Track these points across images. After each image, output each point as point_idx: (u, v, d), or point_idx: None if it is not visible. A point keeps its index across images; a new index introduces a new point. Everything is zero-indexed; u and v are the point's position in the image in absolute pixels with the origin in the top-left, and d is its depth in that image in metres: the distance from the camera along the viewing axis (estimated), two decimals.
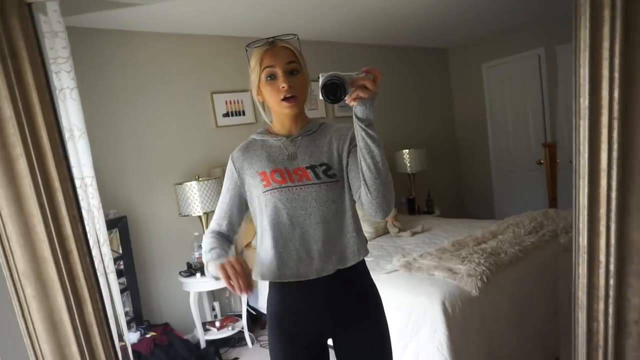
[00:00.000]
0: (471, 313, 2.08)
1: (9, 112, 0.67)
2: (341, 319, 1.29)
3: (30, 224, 0.69)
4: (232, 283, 1.09)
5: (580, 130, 0.60)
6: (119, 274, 3.13)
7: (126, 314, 3.14)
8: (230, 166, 1.33)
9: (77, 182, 0.86)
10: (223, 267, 1.11)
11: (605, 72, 0.57)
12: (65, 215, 0.70)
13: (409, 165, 4.43)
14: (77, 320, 0.72)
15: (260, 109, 1.33)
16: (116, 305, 0.83)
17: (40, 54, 0.66)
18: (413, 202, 4.57)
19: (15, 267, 0.69)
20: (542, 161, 4.39)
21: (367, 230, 3.36)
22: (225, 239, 1.34)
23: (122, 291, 3.06)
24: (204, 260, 1.24)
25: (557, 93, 4.32)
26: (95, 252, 0.86)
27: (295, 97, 1.21)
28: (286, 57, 1.21)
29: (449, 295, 2.09)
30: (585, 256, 0.64)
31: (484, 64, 5.06)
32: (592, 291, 0.65)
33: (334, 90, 1.02)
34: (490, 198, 5.29)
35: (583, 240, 0.64)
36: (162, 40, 3.35)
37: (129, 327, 2.98)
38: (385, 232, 3.49)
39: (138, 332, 2.92)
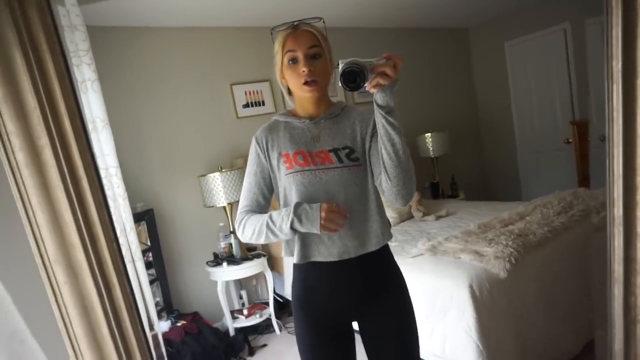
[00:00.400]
0: (499, 295, 2.05)
1: (32, 103, 0.68)
2: (364, 301, 1.29)
3: (58, 212, 0.70)
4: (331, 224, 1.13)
5: (614, 95, 0.57)
6: (148, 265, 3.21)
7: (157, 303, 3.22)
8: (254, 147, 1.32)
9: (102, 173, 0.88)
10: (321, 215, 1.13)
11: None
12: (90, 201, 0.71)
13: (431, 149, 4.37)
14: (107, 305, 0.74)
15: (285, 92, 1.32)
16: (145, 292, 0.85)
17: (60, 45, 0.67)
18: (437, 186, 4.51)
19: (47, 253, 0.71)
20: (570, 140, 4.25)
21: (391, 215, 3.33)
22: None
23: (151, 282, 3.15)
24: (277, 226, 1.20)
25: (588, 69, 4.15)
26: (122, 240, 0.88)
27: (316, 82, 1.20)
28: (308, 41, 1.20)
29: (476, 278, 2.06)
30: (621, 228, 0.61)
31: (506, 42, 4.91)
32: (629, 264, 0.62)
33: (353, 78, 1.00)
34: (516, 180, 5.17)
35: (618, 210, 0.61)
36: (180, 34, 3.37)
37: (160, 317, 3.06)
38: (410, 216, 3.46)
39: (169, 321, 2.99)
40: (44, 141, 0.67)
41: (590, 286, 2.27)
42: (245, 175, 1.34)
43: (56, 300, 0.73)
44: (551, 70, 4.57)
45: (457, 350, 2.03)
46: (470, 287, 2.00)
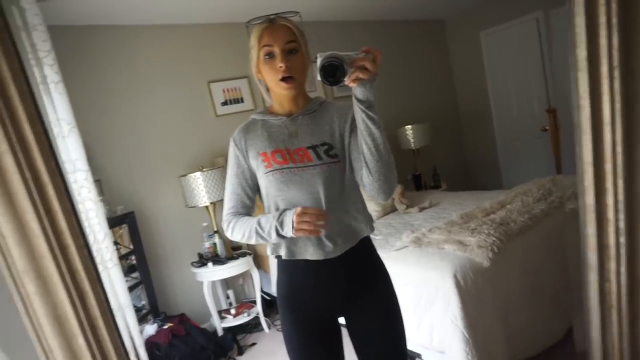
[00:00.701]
0: (483, 284, 2.07)
1: None
2: (349, 296, 1.29)
3: (24, 220, 0.68)
4: (310, 227, 1.11)
5: (580, 83, 0.57)
6: (132, 268, 3.16)
7: (142, 307, 3.18)
8: (233, 149, 1.30)
9: (71, 177, 0.85)
10: (297, 222, 1.12)
11: (603, 19, 0.53)
12: (58, 209, 0.69)
13: (412, 141, 4.39)
14: (82, 314, 0.72)
15: (261, 88, 1.30)
16: (120, 298, 0.82)
17: (14, 45, 0.64)
18: (419, 178, 4.54)
19: (15, 264, 0.69)
20: (546, 128, 4.32)
21: (374, 209, 3.34)
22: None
23: (136, 285, 3.10)
24: (265, 232, 1.20)
25: (553, 57, 4.22)
26: (96, 247, 0.86)
27: (293, 78, 1.18)
28: (285, 36, 1.18)
29: (460, 268, 2.07)
30: (594, 215, 0.62)
31: (482, 32, 4.94)
32: (602, 250, 0.62)
33: (333, 72, 0.99)
34: (496, 168, 5.24)
35: (590, 198, 0.61)
36: (154, 32, 3.31)
37: (146, 320, 3.02)
38: (393, 209, 3.47)
39: (155, 324, 2.95)
40: (3, 147, 0.64)
41: (568, 273, 2.31)
42: (227, 177, 1.33)
43: (27, 312, 0.71)
44: (526, 58, 4.62)
45: (444, 340, 2.04)
46: (455, 277, 2.02)
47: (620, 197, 0.58)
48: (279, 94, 1.25)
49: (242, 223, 1.26)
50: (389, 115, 4.44)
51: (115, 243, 3.05)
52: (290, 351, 1.33)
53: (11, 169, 0.64)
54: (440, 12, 4.92)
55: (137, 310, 3.18)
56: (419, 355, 2.30)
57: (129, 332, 0.87)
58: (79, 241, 0.70)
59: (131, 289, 3.09)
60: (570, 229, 2.30)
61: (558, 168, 3.94)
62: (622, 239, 0.60)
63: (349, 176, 1.25)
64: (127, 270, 3.14)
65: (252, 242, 1.25)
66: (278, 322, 3.35)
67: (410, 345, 2.25)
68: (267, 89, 1.29)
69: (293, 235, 1.15)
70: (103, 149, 3.02)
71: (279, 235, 1.17)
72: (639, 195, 0.58)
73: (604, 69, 0.55)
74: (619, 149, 0.57)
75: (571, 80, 0.56)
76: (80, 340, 0.73)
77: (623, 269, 0.59)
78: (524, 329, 2.17)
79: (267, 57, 1.19)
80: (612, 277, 0.60)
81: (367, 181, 1.16)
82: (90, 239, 0.88)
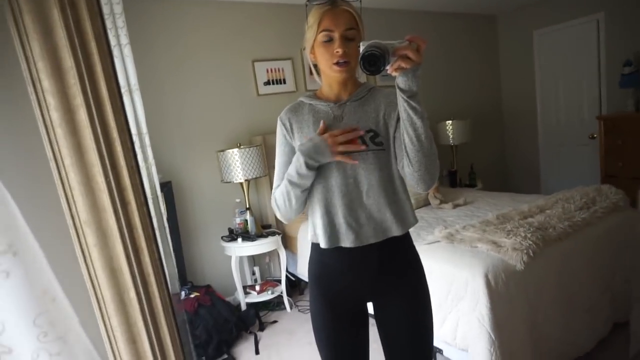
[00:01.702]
0: (515, 287, 2.03)
1: (69, 62, 0.68)
2: (381, 284, 1.29)
3: (91, 174, 0.70)
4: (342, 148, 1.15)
5: None
6: None
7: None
8: (280, 128, 1.31)
9: (134, 138, 0.88)
10: (330, 145, 1.16)
11: None
12: (123, 165, 0.71)
13: (451, 136, 4.31)
14: (135, 269, 0.74)
15: (312, 68, 1.29)
16: (166, 261, 0.85)
17: (98, 5, 0.66)
18: (455, 175, 4.47)
19: (78, 215, 0.72)
20: (595, 135, 4.15)
21: None
22: None
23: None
24: (296, 176, 1.21)
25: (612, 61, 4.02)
26: (151, 206, 0.89)
27: (348, 63, 1.18)
28: (346, 21, 1.17)
29: (493, 268, 2.04)
30: None
31: (535, 30, 4.77)
32: None
33: (374, 62, 0.97)
34: (536, 173, 5.09)
35: None
36: (205, 7, 3.35)
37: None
38: (426, 203, 3.44)
39: (182, 292, 3.04)
40: (79, 101, 0.66)
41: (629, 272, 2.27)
42: (276, 155, 1.34)
43: (85, 262, 0.74)
44: (581, 61, 4.43)
45: (468, 338, 2.03)
46: (486, 276, 1.99)
47: None
48: (330, 77, 1.24)
49: (280, 190, 1.28)
50: (430, 109, 4.34)
51: None
52: (317, 330, 1.34)
53: (84, 123, 0.67)
54: (493, 7, 4.78)
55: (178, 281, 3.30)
56: (440, 351, 2.29)
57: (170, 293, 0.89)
58: (139, 199, 0.73)
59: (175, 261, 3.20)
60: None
61: (603, 178, 3.79)
62: None
63: (393, 165, 1.24)
64: None
65: (293, 202, 1.25)
66: (300, 303, 3.39)
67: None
68: (317, 71, 1.29)
69: (332, 159, 1.17)
70: (147, 117, 3.09)
71: (309, 169, 1.18)
72: None
73: None
74: None
75: None
76: (131, 294, 0.76)
77: None
78: (551, 338, 2.13)
79: (325, 40, 1.18)
80: None
81: (408, 171, 1.15)
82: (149, 198, 0.91)
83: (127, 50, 0.86)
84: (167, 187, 3.18)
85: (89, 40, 0.63)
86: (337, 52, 1.15)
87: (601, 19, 4.18)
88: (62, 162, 0.69)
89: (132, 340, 0.77)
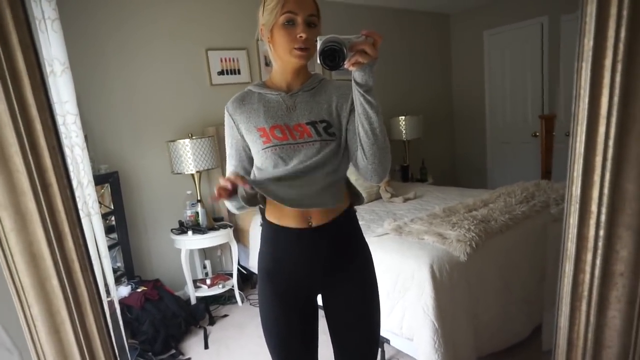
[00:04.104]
0: (458, 278, 2.10)
1: None
2: (330, 269, 1.29)
3: (8, 154, 0.66)
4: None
5: (582, 73, 0.58)
6: (110, 229, 3.13)
7: (117, 269, 3.16)
8: (227, 119, 1.28)
9: (60, 120, 0.82)
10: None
11: (614, 10, 0.54)
12: (44, 145, 0.67)
13: (404, 132, 4.40)
14: (58, 255, 0.71)
15: (270, 51, 1.24)
16: (100, 247, 0.81)
17: None
18: (407, 170, 4.57)
19: None
20: (537, 133, 4.37)
21: None
22: None
23: (113, 246, 3.08)
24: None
25: (559, 64, 4.25)
26: (79, 193, 0.84)
27: (308, 49, 1.16)
28: (309, 7, 1.16)
29: (437, 259, 2.10)
30: (577, 206, 0.63)
31: (485, 31, 4.95)
32: (581, 242, 0.64)
33: (333, 56, 0.98)
34: (483, 169, 5.30)
35: (576, 189, 0.62)
36: None
37: (120, 282, 3.01)
38: (378, 197, 3.50)
39: (129, 287, 2.94)
40: None
41: (545, 272, 2.36)
42: (226, 145, 1.32)
43: (1, 248, 0.69)
44: (526, 62, 4.65)
45: (414, 328, 2.08)
46: (431, 267, 2.05)
47: (606, 190, 0.59)
48: (286, 63, 1.21)
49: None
50: (384, 104, 4.40)
51: None
52: (265, 324, 1.32)
53: None
54: (446, 6, 4.90)
55: (113, 271, 3.17)
56: (387, 341, 2.34)
57: (105, 281, 0.86)
58: (62, 181, 0.68)
59: (108, 249, 3.07)
60: (551, 230, 2.35)
61: (544, 174, 4.00)
62: (602, 232, 0.61)
63: (343, 155, 1.25)
64: (106, 231, 3.11)
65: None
66: (252, 297, 3.37)
67: (381, 331, 2.29)
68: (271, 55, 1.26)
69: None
70: (92, 104, 2.96)
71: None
72: (623, 190, 0.59)
73: (608, 61, 0.56)
74: (611, 142, 0.58)
75: (574, 70, 0.57)
76: (54, 282, 0.72)
77: (598, 261, 0.61)
78: (491, 325, 2.22)
79: (287, 23, 1.15)
80: (587, 268, 0.62)
81: (362, 163, 1.17)
82: (74, 184, 0.87)
83: (56, 26, 0.80)
84: (113, 178, 3.06)
85: (3, 7, 0.59)
86: (301, 36, 1.13)
87: (545, 22, 4.40)
88: None
89: (55, 330, 0.73)
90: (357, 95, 1.08)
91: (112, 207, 3.08)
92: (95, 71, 2.99)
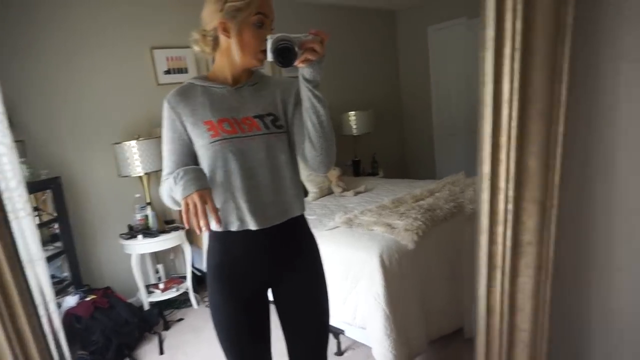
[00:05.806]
0: (407, 265, 2.17)
1: None
2: (280, 266, 1.30)
3: None
4: (190, 220, 1.05)
5: (486, 61, 0.64)
6: (55, 237, 3.00)
7: (64, 278, 3.03)
8: (168, 113, 1.23)
9: None
10: (186, 202, 1.06)
11: (510, 3, 0.59)
12: None
13: (354, 127, 4.48)
14: None
15: (223, 44, 1.21)
16: (31, 250, 0.77)
17: None
18: (358, 164, 4.65)
19: None
20: None
21: (312, 190, 3.39)
22: None
23: (58, 254, 2.95)
24: (173, 184, 1.13)
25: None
26: (8, 195, 0.81)
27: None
28: (273, 11, 1.18)
29: (387, 249, 2.16)
30: (488, 183, 0.69)
31: (429, 26, 5.10)
32: (493, 216, 0.70)
33: (286, 54, 1.01)
34: (431, 160, 5.48)
35: (486, 167, 0.68)
36: None
37: (67, 292, 2.89)
38: (330, 192, 3.55)
39: (77, 296, 2.83)
40: None
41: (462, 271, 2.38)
42: (164, 142, 1.25)
43: None
44: (467, 57, 4.84)
45: (366, 317, 2.13)
46: (381, 257, 2.10)
47: (512, 167, 0.65)
48: (243, 61, 1.20)
49: (177, 171, 1.17)
50: (333, 100, 4.50)
51: (36, 209, 2.88)
52: (217, 323, 1.31)
53: None
54: (392, 2, 5.00)
55: (58, 281, 3.04)
56: (342, 332, 2.39)
57: (40, 286, 0.84)
58: None
59: (52, 258, 2.94)
60: (468, 231, 2.38)
61: None
62: (510, 206, 0.67)
63: (291, 148, 1.27)
64: (50, 239, 2.97)
65: (177, 205, 1.17)
66: (207, 299, 3.33)
67: (335, 322, 2.33)
68: (215, 50, 1.23)
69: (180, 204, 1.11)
70: (28, 107, 2.82)
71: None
72: (526, 166, 0.65)
73: (507, 50, 0.62)
74: (514, 123, 0.64)
75: (479, 59, 0.62)
76: None
77: (509, 233, 0.67)
78: (440, 310, 2.31)
79: (257, 24, 1.15)
80: (499, 239, 0.68)
81: (310, 155, 1.20)
82: (2, 186, 0.84)
83: None
84: (55, 184, 2.93)
85: None
86: (267, 40, 1.09)
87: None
88: None
89: None
90: (305, 90, 1.12)
91: (56, 214, 2.95)
92: (32, 73, 2.84)
